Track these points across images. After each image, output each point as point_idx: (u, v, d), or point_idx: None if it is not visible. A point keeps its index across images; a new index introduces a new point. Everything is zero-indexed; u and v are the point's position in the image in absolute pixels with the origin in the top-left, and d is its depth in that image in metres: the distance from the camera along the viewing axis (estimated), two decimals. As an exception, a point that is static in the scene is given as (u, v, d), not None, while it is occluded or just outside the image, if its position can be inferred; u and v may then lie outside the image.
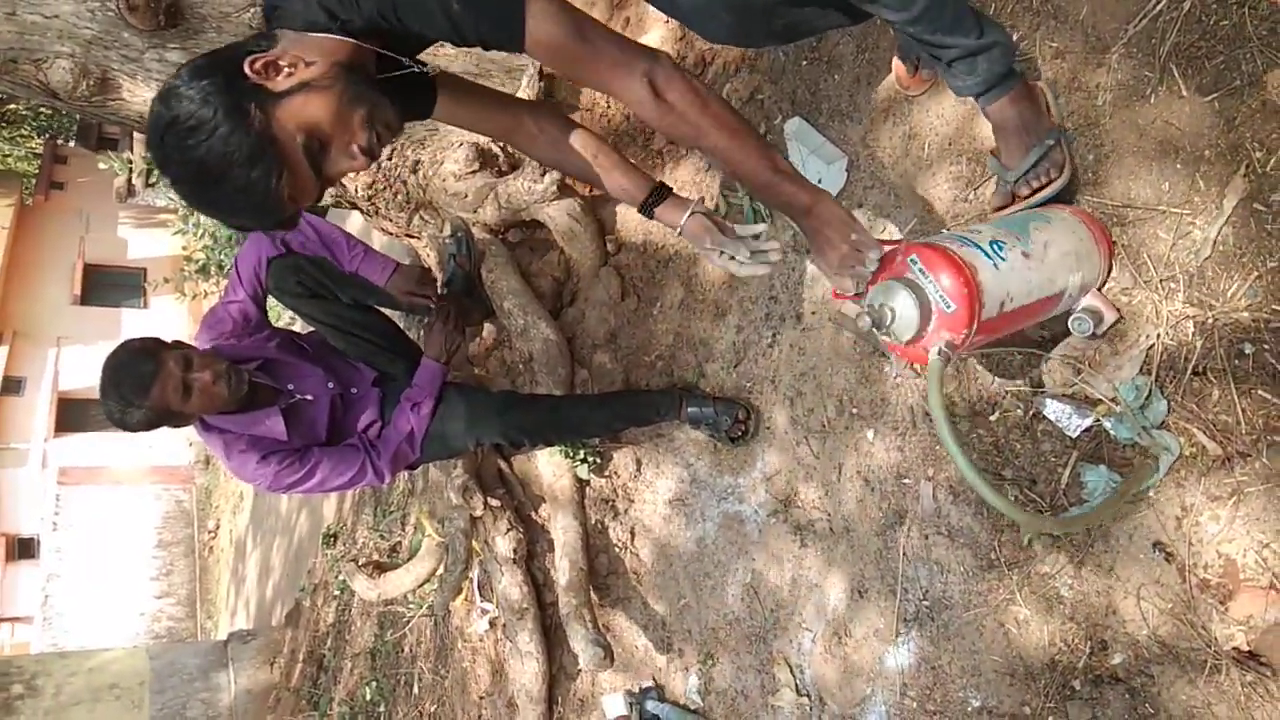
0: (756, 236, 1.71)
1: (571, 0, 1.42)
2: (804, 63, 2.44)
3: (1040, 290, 1.54)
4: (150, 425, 2.29)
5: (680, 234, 1.76)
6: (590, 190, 3.19)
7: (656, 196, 1.77)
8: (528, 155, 1.88)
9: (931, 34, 1.58)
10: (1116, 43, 1.70)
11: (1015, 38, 1.85)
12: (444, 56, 2.97)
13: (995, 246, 1.48)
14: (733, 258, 1.71)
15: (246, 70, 1.29)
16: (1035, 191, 1.73)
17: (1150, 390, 1.60)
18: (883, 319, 1.47)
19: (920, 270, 1.44)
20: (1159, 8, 1.63)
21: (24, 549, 16.74)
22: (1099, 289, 1.66)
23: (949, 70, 1.66)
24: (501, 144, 3.14)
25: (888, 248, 1.52)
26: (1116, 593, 1.65)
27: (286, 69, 1.31)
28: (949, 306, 1.42)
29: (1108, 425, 1.67)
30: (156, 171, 1.35)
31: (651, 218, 1.79)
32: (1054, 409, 1.75)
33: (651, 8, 1.67)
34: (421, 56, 1.57)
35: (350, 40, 1.36)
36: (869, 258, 1.51)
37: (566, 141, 1.80)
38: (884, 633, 2.09)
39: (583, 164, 1.81)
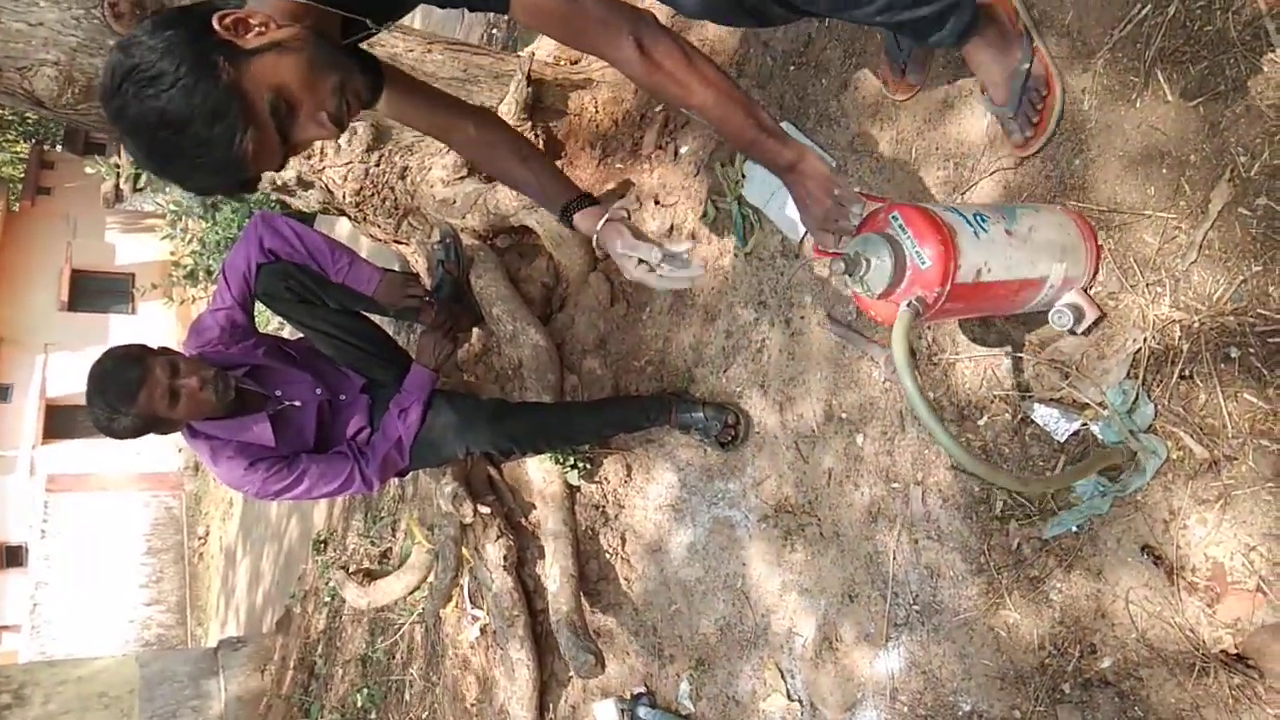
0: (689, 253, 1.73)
1: None
2: (791, 67, 2.44)
3: (1020, 269, 1.54)
4: (137, 432, 2.28)
5: (596, 242, 1.74)
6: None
7: (578, 204, 1.77)
8: (460, 155, 1.89)
9: (897, 14, 1.59)
10: (1102, 47, 1.70)
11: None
12: (432, 62, 2.96)
13: (979, 218, 1.50)
14: (651, 269, 1.70)
15: (215, 25, 1.24)
16: (1040, 120, 1.75)
17: (1137, 394, 1.61)
18: (856, 267, 1.48)
19: (900, 226, 1.46)
20: (1144, 13, 1.64)
21: (12, 557, 16.66)
22: (1083, 288, 1.67)
23: (923, 39, 1.70)
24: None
25: (872, 205, 1.54)
26: (1105, 596, 1.66)
27: (257, 27, 1.27)
28: (924, 263, 1.43)
29: (1095, 429, 1.67)
30: (114, 128, 1.27)
31: (570, 226, 1.78)
32: (1042, 413, 1.76)
33: None
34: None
35: (316, 4, 1.32)
36: (852, 212, 1.52)
37: (498, 145, 1.80)
38: (874, 637, 2.09)
39: (509, 167, 1.81)
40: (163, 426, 2.33)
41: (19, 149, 21.27)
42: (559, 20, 1.40)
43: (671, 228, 2.79)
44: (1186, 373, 1.56)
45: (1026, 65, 1.72)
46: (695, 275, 1.72)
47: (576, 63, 3.21)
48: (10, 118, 19.41)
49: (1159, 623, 1.58)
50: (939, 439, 1.36)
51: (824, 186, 1.52)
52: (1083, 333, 1.68)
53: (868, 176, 2.19)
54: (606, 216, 1.73)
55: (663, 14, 2.83)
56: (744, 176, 2.50)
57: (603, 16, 1.39)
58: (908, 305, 1.43)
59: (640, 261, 1.74)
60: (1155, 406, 1.59)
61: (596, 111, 3.13)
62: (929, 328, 2.01)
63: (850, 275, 1.50)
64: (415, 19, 6.31)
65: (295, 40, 1.29)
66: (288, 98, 1.28)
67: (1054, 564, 1.74)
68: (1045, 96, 1.74)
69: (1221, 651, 1.48)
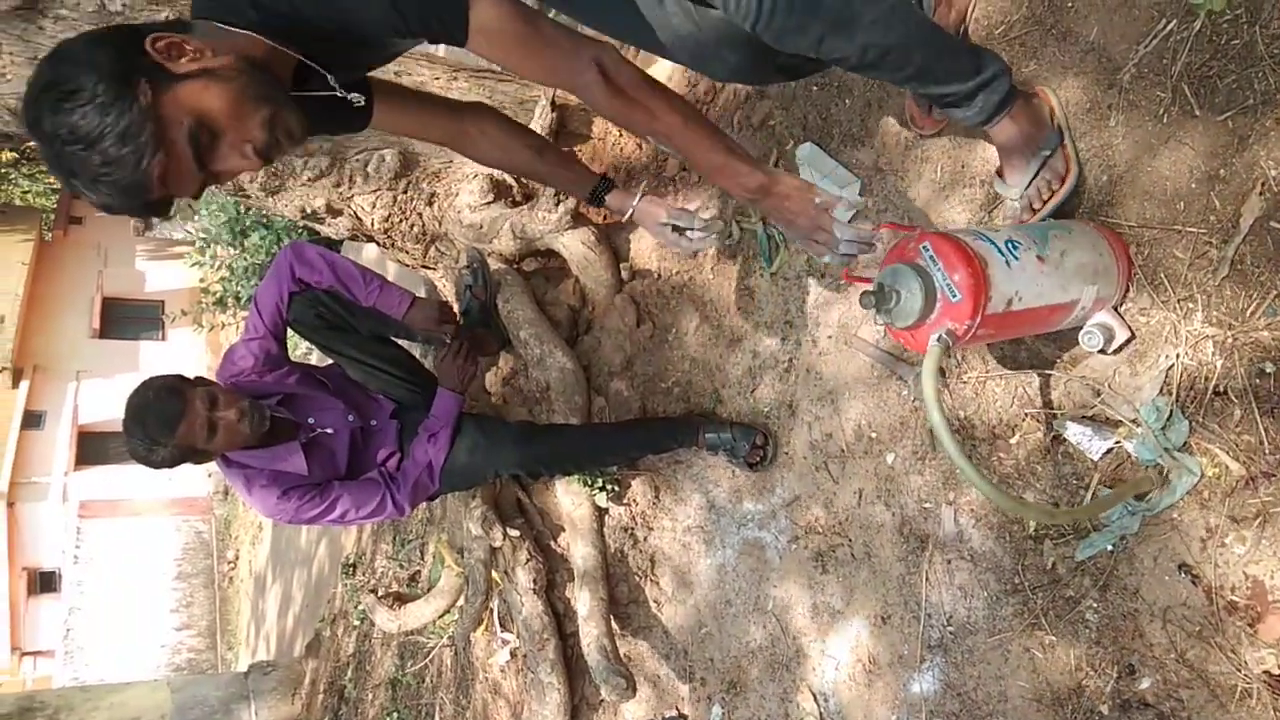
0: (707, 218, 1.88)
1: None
2: (814, 89, 2.45)
3: (1051, 296, 1.54)
4: (175, 463, 2.31)
5: (631, 217, 1.87)
6: (599, 215, 3.21)
7: (605, 185, 1.90)
8: (471, 159, 1.94)
9: (925, 87, 1.60)
10: (1127, 63, 1.70)
11: (1025, 56, 1.86)
12: (457, 90, 3.00)
13: (1010, 245, 1.49)
14: (683, 233, 1.85)
15: (147, 47, 1.24)
16: (1041, 207, 1.75)
17: (1171, 411, 1.59)
18: (885, 300, 1.47)
19: (931, 257, 1.46)
20: (1169, 28, 1.63)
21: (45, 582, 16.83)
22: (1114, 307, 1.66)
23: (950, 110, 1.69)
24: (516, 176, 3.16)
25: (903, 233, 1.54)
26: (1143, 615, 1.64)
27: (191, 53, 1.27)
28: (955, 296, 1.43)
29: (1129, 447, 1.66)
30: (29, 135, 1.30)
31: (602, 205, 1.91)
32: (1075, 431, 1.74)
33: None
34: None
35: (267, 41, 1.32)
36: (837, 215, 1.54)
37: (510, 141, 1.85)
38: (908, 659, 2.07)
39: (527, 161, 1.88)
40: (199, 457, 2.35)
41: (51, 179, 21.62)
42: (519, 47, 1.38)
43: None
44: (1221, 389, 1.54)
45: (1048, 153, 1.71)
46: (719, 231, 1.87)
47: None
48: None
49: (1199, 643, 1.56)
50: (967, 474, 1.36)
51: (803, 198, 1.53)
52: (1113, 352, 1.67)
53: (893, 196, 2.20)
54: (642, 192, 1.86)
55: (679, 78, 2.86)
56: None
57: (563, 42, 1.40)
58: (937, 340, 1.43)
59: (673, 229, 1.87)
60: (1190, 423, 1.57)
61: (620, 135, 3.15)
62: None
63: (879, 309, 1.49)
64: (440, 46, 6.38)
65: (228, 70, 1.28)
66: (211, 126, 1.28)
67: (1089, 583, 1.72)
68: (1056, 191, 1.73)
69: (1265, 672, 1.46)
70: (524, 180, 3.20)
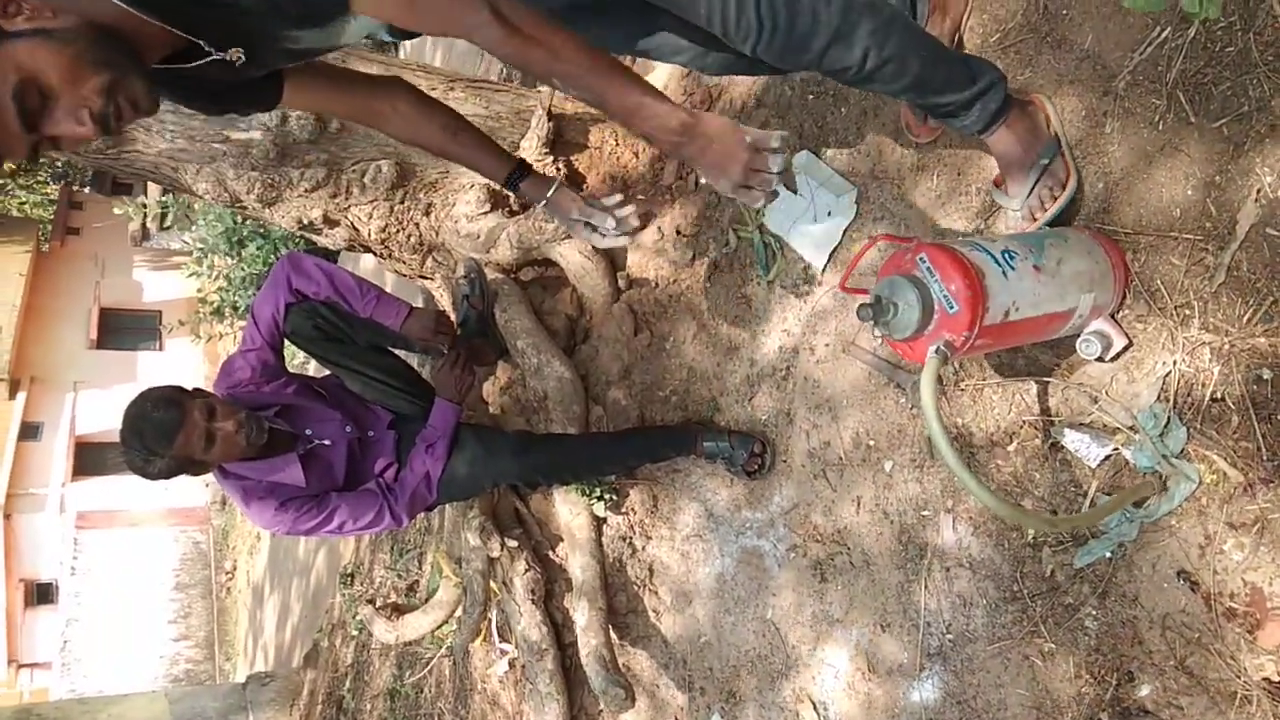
0: (620, 206, 1.83)
1: None
2: (810, 96, 2.46)
3: (1049, 305, 1.54)
4: (171, 474, 2.30)
5: (545, 206, 1.85)
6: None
7: (520, 172, 1.85)
8: (384, 134, 1.91)
9: (924, 97, 1.60)
10: (1123, 71, 1.70)
11: (1020, 65, 1.87)
12: (454, 100, 3.00)
13: (1006, 256, 1.49)
14: (596, 229, 1.81)
15: None
16: (1043, 214, 1.75)
17: (1169, 418, 1.59)
18: (883, 312, 1.47)
19: (928, 269, 1.45)
20: (1164, 35, 1.64)
21: (42, 594, 16.77)
22: (1111, 315, 1.66)
23: (948, 119, 1.69)
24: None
25: (899, 244, 1.53)
26: (1142, 622, 1.64)
27: (27, 11, 1.19)
28: (952, 307, 1.43)
29: (1127, 454, 1.66)
30: None
31: (516, 192, 1.87)
32: (1072, 438, 1.74)
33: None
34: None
35: (129, 9, 1.24)
36: (772, 153, 1.39)
37: (422, 119, 1.81)
38: (908, 668, 2.07)
39: (440, 140, 1.84)
40: (196, 468, 2.34)
41: (48, 190, 21.63)
42: None
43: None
44: (1218, 395, 1.55)
45: (1046, 161, 1.72)
46: (636, 227, 1.84)
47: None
48: (40, 160, 19.73)
49: (1198, 649, 1.55)
50: (967, 484, 1.36)
51: (733, 139, 1.38)
52: (1110, 360, 1.67)
53: (889, 204, 2.20)
54: (556, 184, 1.82)
55: (677, 81, 2.88)
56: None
57: None
58: (935, 351, 1.43)
59: (585, 225, 1.85)
60: (1187, 430, 1.57)
61: (617, 144, 3.16)
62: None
63: (876, 321, 1.49)
64: (436, 57, 6.38)
65: (68, 32, 1.21)
66: (42, 88, 1.21)
67: (1088, 591, 1.72)
68: (1056, 197, 1.73)
69: (1264, 679, 1.46)
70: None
